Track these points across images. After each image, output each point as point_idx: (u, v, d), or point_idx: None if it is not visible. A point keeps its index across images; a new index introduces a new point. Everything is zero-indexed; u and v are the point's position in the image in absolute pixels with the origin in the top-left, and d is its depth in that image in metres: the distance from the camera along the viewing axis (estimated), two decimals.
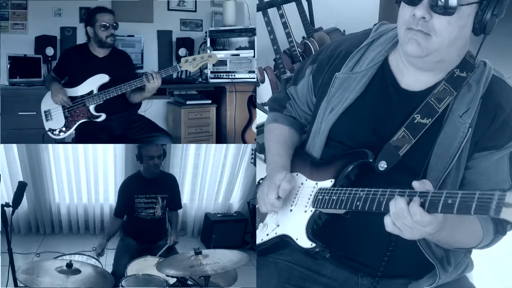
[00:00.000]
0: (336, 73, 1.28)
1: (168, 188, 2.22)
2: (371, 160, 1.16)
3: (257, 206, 1.39)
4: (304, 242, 1.17)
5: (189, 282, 1.73)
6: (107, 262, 2.14)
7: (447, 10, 1.04)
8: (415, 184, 0.97)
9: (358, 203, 1.07)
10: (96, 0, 3.07)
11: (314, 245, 1.16)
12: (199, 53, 3.53)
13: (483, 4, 1.05)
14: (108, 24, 2.47)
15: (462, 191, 0.89)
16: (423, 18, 1.06)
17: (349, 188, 1.12)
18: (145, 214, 2.14)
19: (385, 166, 1.14)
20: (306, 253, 1.18)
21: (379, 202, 1.03)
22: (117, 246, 2.16)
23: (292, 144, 1.41)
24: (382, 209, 1.01)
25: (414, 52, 1.10)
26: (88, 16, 2.56)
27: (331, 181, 1.21)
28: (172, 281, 1.73)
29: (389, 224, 0.99)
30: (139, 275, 1.78)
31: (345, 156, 1.22)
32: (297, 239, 1.19)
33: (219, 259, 1.67)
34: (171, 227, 2.24)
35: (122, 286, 1.71)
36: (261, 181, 1.48)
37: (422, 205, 0.94)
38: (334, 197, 1.15)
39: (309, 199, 1.22)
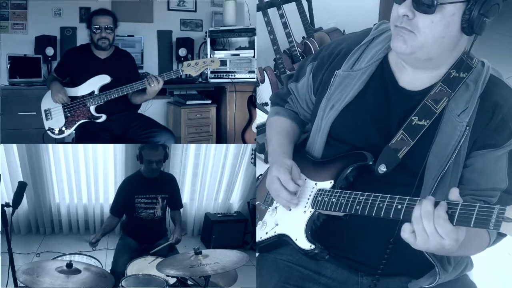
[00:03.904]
0: (336, 71, 1.28)
1: (168, 188, 2.22)
2: (370, 163, 1.17)
3: (257, 204, 1.39)
4: (303, 243, 1.18)
5: (189, 282, 1.73)
6: (107, 262, 2.14)
7: (428, 9, 1.05)
8: (455, 192, 0.94)
9: (357, 207, 1.08)
10: (96, 0, 3.07)
11: (313, 246, 1.16)
12: (199, 54, 3.54)
13: (470, 3, 1.05)
14: (100, 27, 2.46)
15: (462, 202, 0.89)
16: (407, 16, 1.07)
17: (349, 191, 1.13)
18: (145, 214, 2.14)
19: (385, 169, 1.15)
20: (305, 254, 1.18)
21: (378, 207, 1.04)
22: (116, 245, 2.16)
23: (294, 136, 1.42)
24: (382, 215, 1.03)
25: (399, 49, 1.12)
26: (87, 18, 2.57)
27: (331, 182, 1.21)
28: (172, 281, 1.73)
29: (407, 230, 0.97)
30: (139, 275, 1.77)
31: (345, 157, 1.22)
32: (296, 240, 1.20)
33: (219, 259, 1.67)
34: (175, 225, 2.24)
35: (122, 286, 1.71)
36: (260, 177, 1.48)
37: (451, 217, 0.92)
38: (334, 200, 1.15)
39: (308, 199, 1.23)
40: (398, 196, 1.01)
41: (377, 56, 1.25)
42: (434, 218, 0.93)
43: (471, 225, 0.86)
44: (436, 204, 0.94)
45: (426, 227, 0.94)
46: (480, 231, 1.11)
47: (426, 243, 0.95)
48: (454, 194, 0.94)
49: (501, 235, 1.16)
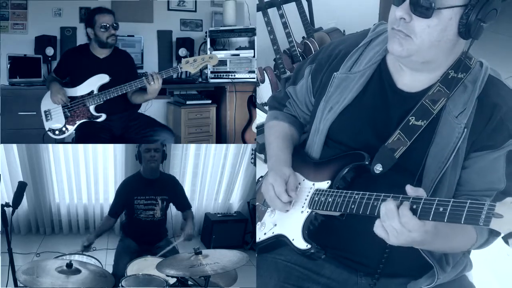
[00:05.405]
0: (335, 73, 1.28)
1: (169, 189, 2.21)
2: (367, 163, 1.17)
3: (257, 205, 1.40)
4: (300, 243, 1.18)
5: (189, 282, 1.73)
6: (107, 262, 2.14)
7: (425, 13, 1.05)
8: (408, 189, 0.98)
9: (353, 207, 1.09)
10: (96, 0, 3.07)
11: (309, 246, 1.17)
12: (199, 54, 3.53)
13: (467, 7, 1.05)
14: (108, 25, 2.46)
15: (453, 199, 0.90)
16: (404, 19, 1.07)
17: (345, 191, 1.13)
18: (145, 215, 2.13)
19: (381, 169, 1.15)
20: (302, 254, 1.19)
21: (373, 206, 1.04)
22: (117, 247, 2.16)
23: (293, 141, 1.42)
24: (376, 214, 1.03)
25: (395, 51, 1.12)
26: (88, 17, 2.56)
27: (328, 182, 1.22)
28: (172, 281, 1.73)
29: (378, 226, 1.00)
30: (139, 275, 1.77)
31: (342, 157, 1.23)
32: (293, 240, 1.20)
33: (219, 259, 1.67)
34: (187, 222, 2.20)
35: (122, 286, 1.71)
36: (260, 179, 1.49)
37: (414, 211, 0.95)
38: (330, 199, 1.15)
39: (305, 199, 1.23)
40: (392, 195, 1.01)
41: (375, 58, 1.25)
42: (399, 216, 0.96)
43: (462, 222, 0.87)
44: (401, 202, 0.97)
45: (394, 225, 0.97)
46: (464, 226, 1.11)
47: (397, 238, 0.98)
48: (409, 191, 0.97)
49: (494, 235, 1.16)
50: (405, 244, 0.99)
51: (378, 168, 1.15)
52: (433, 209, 0.92)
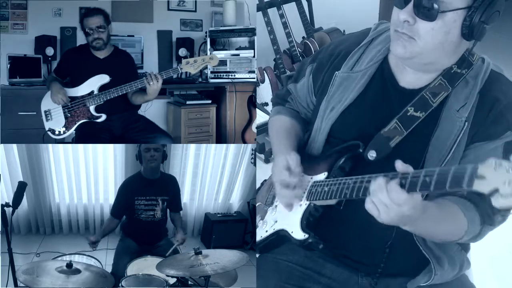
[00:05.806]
0: (336, 72, 1.28)
1: (169, 189, 2.21)
2: (360, 151, 1.17)
3: (257, 205, 1.40)
4: (298, 234, 1.18)
5: (189, 282, 1.73)
6: (107, 262, 2.14)
7: (429, 16, 1.05)
8: (399, 164, 0.96)
9: (346, 192, 1.08)
10: (96, 0, 3.07)
11: (307, 236, 1.16)
12: (199, 54, 3.53)
13: (471, 10, 1.05)
14: (92, 28, 2.46)
15: (439, 168, 0.90)
16: (407, 21, 1.07)
17: (340, 178, 1.13)
18: (145, 216, 2.13)
19: (375, 155, 1.14)
20: (300, 245, 1.18)
21: (365, 188, 1.03)
22: (116, 247, 2.16)
23: (295, 134, 1.41)
24: (368, 195, 1.01)
25: (398, 53, 1.12)
26: (80, 21, 2.57)
27: (325, 174, 1.22)
28: (172, 281, 1.73)
29: (368, 201, 0.99)
30: (139, 275, 1.77)
31: (338, 150, 1.23)
32: (292, 232, 1.20)
33: (219, 259, 1.67)
34: (176, 228, 2.23)
35: (122, 286, 1.71)
36: (264, 182, 1.49)
37: (403, 185, 0.94)
38: (326, 188, 1.16)
39: (304, 193, 1.23)
40: (383, 174, 1.00)
41: (377, 58, 1.25)
42: (388, 190, 0.95)
43: (447, 187, 0.86)
44: (390, 179, 0.96)
45: (383, 199, 0.96)
46: (452, 210, 1.10)
47: (388, 213, 0.96)
48: (399, 167, 0.96)
49: (488, 224, 1.13)
50: (395, 222, 0.98)
51: (372, 154, 1.14)
52: (420, 180, 0.92)
